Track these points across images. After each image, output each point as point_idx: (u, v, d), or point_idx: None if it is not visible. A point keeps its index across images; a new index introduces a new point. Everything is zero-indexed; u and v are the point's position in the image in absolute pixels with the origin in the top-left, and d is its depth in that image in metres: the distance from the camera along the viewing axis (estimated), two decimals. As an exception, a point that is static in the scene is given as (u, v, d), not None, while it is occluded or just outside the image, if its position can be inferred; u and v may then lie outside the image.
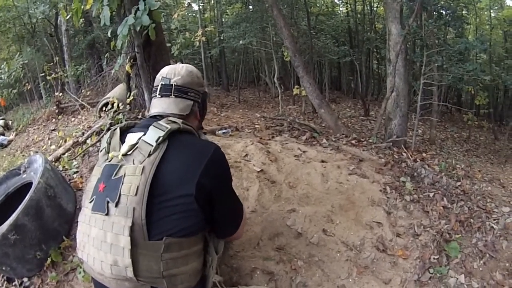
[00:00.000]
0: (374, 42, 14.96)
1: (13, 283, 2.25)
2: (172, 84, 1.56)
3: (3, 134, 8.36)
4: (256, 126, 5.38)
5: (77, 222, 1.47)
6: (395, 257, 2.29)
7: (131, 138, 1.42)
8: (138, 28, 3.04)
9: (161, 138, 1.34)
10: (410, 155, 3.61)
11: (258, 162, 3.03)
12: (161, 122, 1.42)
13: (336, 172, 2.96)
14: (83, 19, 11.10)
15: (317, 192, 2.73)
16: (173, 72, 1.59)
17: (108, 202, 1.30)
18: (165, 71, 1.62)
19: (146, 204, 1.26)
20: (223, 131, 4.42)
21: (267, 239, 2.29)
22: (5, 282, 2.27)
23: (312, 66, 13.01)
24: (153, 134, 1.37)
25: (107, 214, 1.30)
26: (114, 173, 1.34)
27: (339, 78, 19.96)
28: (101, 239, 1.30)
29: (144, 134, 1.40)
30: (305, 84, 6.20)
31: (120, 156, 1.38)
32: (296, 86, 8.25)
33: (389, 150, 3.78)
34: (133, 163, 1.33)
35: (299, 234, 2.33)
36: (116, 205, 1.28)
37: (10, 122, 10.13)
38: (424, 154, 4.22)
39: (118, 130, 1.52)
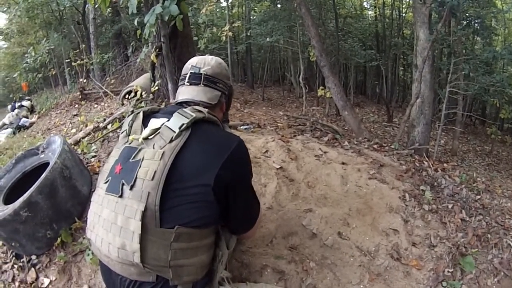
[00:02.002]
0: (401, 48, 14.82)
1: (21, 260, 2.27)
2: (201, 73, 1.56)
3: (27, 117, 8.50)
4: (279, 124, 5.36)
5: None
6: (408, 267, 2.22)
7: (154, 123, 1.41)
8: (166, 18, 3.04)
9: (184, 125, 1.32)
10: (432, 164, 3.53)
11: (278, 159, 3.00)
12: (187, 110, 1.40)
13: (356, 175, 2.90)
14: (111, 8, 11.25)
15: (335, 194, 2.68)
16: (203, 62, 1.59)
17: (123, 184, 1.30)
18: (194, 60, 1.61)
19: (162, 190, 1.24)
20: (245, 126, 4.41)
21: (281, 237, 2.25)
22: (14, 258, 2.29)
23: (338, 68, 12.92)
24: (176, 121, 1.35)
25: (120, 196, 1.29)
26: (133, 156, 1.34)
27: (364, 82, 19.88)
28: (112, 221, 1.30)
29: (168, 120, 1.38)
30: (330, 85, 6.15)
31: (140, 140, 1.37)
32: (321, 87, 8.18)
33: (410, 158, 3.71)
34: (153, 148, 1.32)
35: (314, 235, 2.29)
36: (131, 188, 1.27)
37: (34, 105, 10.33)
38: (445, 165, 4.12)
39: (141, 114, 1.51)
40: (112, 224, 1.29)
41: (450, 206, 2.77)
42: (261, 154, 3.07)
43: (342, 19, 14.96)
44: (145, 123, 1.46)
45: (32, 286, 2.16)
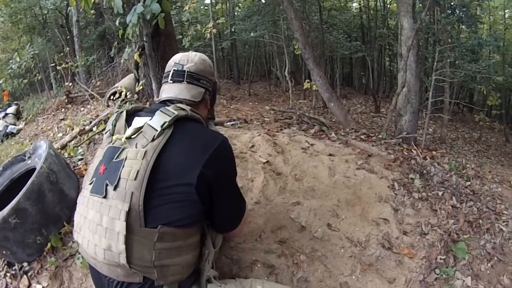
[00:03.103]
0: (387, 39, 14.92)
1: (13, 268, 2.26)
2: (185, 70, 1.54)
3: (14, 124, 8.44)
4: (265, 118, 5.36)
5: (78, 205, 1.46)
6: (400, 256, 2.21)
7: (138, 121, 1.40)
8: (148, 17, 3.02)
9: (166, 124, 1.30)
10: (420, 153, 3.54)
11: (264, 153, 2.98)
12: (169, 108, 1.39)
13: (344, 166, 2.89)
14: (94, 10, 11.18)
15: (324, 186, 2.66)
16: (186, 58, 1.57)
17: (107, 185, 1.28)
18: (177, 57, 1.60)
19: (145, 190, 1.23)
20: (232, 122, 4.40)
21: (270, 231, 2.23)
22: (6, 267, 2.28)
23: (324, 61, 12.97)
24: (159, 119, 1.34)
25: (104, 197, 1.28)
26: (116, 155, 1.32)
27: (350, 74, 19.94)
28: (97, 222, 1.28)
29: (151, 119, 1.37)
30: (315, 77, 6.17)
31: (123, 139, 1.35)
32: (307, 81, 8.19)
33: (398, 147, 3.71)
34: (136, 147, 1.31)
35: (303, 228, 2.27)
36: (115, 188, 1.26)
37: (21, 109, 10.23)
38: (434, 152, 4.14)
39: (124, 113, 1.49)
40: (98, 226, 1.28)
41: (440, 193, 2.77)
42: (247, 149, 3.05)
43: (327, 11, 14.99)
44: (128, 122, 1.44)
45: None
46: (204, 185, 1.29)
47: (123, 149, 1.33)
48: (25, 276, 2.23)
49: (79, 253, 2.13)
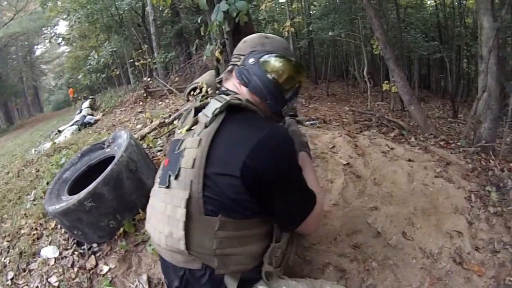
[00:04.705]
0: (464, 39, 14.08)
1: (82, 247, 2.36)
2: None
3: (92, 115, 8.84)
4: (344, 119, 5.31)
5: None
6: (470, 272, 2.09)
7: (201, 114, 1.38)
8: (234, 15, 3.10)
9: (218, 110, 1.26)
10: (498, 164, 3.36)
11: (345, 155, 2.96)
12: (223, 95, 1.38)
13: (423, 173, 2.81)
14: (170, 10, 11.57)
15: (402, 192, 2.61)
16: None
17: (170, 176, 1.31)
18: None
19: (203, 178, 1.22)
20: (311, 122, 4.42)
21: (345, 235, 2.21)
22: (74, 245, 2.39)
23: (402, 61, 12.52)
24: (212, 106, 1.32)
25: (168, 187, 1.31)
26: (177, 147, 1.34)
27: (428, 75, 19.17)
28: (162, 211, 1.32)
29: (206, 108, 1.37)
30: (395, 78, 5.99)
31: (184, 130, 1.36)
32: (385, 82, 7.99)
33: (476, 156, 3.53)
34: (193, 136, 1.30)
35: (378, 234, 2.23)
36: (176, 178, 1.28)
37: (98, 103, 10.78)
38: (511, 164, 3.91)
39: (193, 110, 1.47)
40: (162, 214, 1.32)
41: (515, 209, 2.62)
42: (328, 149, 3.05)
43: (403, 9, 14.50)
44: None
45: (91, 272, 2.23)
46: (251, 178, 1.19)
47: (183, 141, 1.33)
48: (93, 256, 2.31)
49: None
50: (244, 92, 1.43)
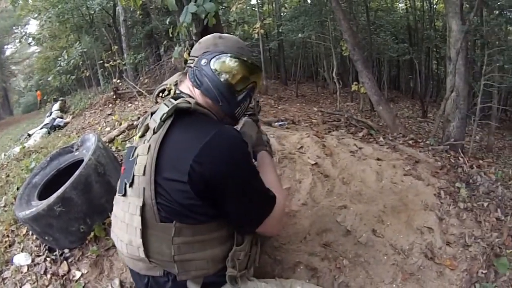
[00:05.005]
0: (434, 41, 14.43)
1: (54, 253, 2.32)
2: None
3: (62, 117, 8.74)
4: (313, 120, 5.35)
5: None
6: (442, 267, 2.14)
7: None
8: (202, 16, 3.07)
9: (165, 115, 1.22)
10: (467, 161, 3.44)
11: (313, 155, 2.98)
12: (172, 99, 1.32)
13: (391, 171, 2.85)
14: (142, 10, 11.47)
15: (371, 191, 2.64)
16: None
17: (125, 184, 1.29)
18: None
19: (155, 185, 1.19)
20: (280, 123, 4.43)
21: (315, 234, 2.22)
22: (46, 252, 2.34)
23: (371, 63, 12.74)
24: (161, 111, 1.27)
25: (124, 195, 1.29)
26: (131, 154, 1.31)
27: (397, 77, 19.60)
28: (122, 220, 1.31)
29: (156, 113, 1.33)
30: (364, 79, 6.09)
31: (137, 138, 1.35)
32: (354, 83, 8.07)
33: (445, 154, 3.62)
34: (144, 143, 1.27)
35: (348, 232, 2.25)
36: (131, 186, 1.26)
37: (67, 105, 10.62)
38: (480, 161, 4.01)
39: (149, 115, 1.41)
40: (122, 223, 1.31)
41: (485, 204, 2.66)
42: (296, 150, 3.06)
43: (373, 12, 14.78)
44: None
45: (64, 278, 2.19)
46: (200, 183, 1.15)
47: (136, 148, 1.30)
48: (65, 262, 2.27)
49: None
50: (197, 95, 1.39)
